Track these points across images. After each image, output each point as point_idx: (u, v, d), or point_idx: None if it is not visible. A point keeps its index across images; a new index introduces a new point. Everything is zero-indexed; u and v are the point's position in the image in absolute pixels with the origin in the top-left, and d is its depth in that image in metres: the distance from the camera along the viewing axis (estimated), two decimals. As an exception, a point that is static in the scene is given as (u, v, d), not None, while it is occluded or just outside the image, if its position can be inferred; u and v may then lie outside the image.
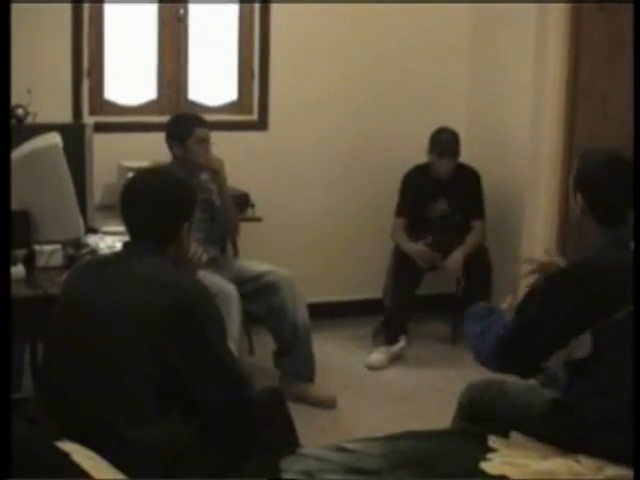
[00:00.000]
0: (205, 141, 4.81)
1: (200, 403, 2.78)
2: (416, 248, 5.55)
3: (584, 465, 2.83)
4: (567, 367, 2.95)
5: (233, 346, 3.64)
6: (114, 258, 2.99)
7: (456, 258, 5.56)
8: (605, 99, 5.26)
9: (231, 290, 4.53)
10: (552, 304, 2.95)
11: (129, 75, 5.71)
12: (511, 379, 3.25)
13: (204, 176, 4.93)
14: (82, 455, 2.43)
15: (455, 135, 5.61)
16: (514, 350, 3.03)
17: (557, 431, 2.95)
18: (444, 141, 5.58)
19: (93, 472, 2.36)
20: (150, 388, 2.66)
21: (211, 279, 4.22)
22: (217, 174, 4.86)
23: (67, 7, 5.30)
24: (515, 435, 3.03)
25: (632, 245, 2.93)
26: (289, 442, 3.08)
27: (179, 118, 4.97)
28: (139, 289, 2.73)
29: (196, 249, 3.19)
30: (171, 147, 4.84)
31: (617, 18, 5.06)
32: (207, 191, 4.91)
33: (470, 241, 5.62)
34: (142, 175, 3.15)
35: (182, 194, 2.97)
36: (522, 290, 5.65)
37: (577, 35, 5.41)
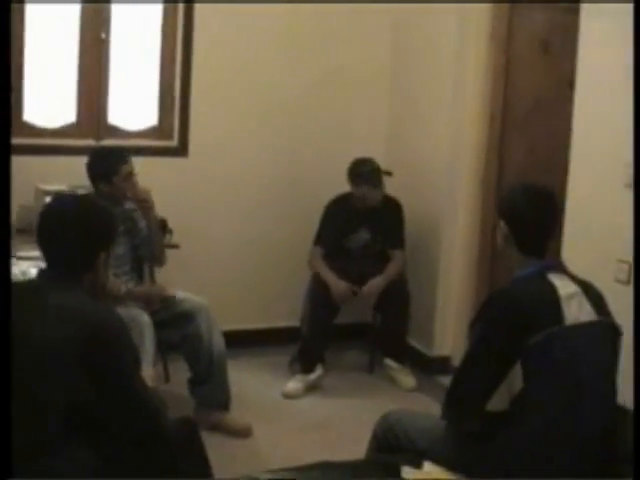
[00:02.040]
0: (131, 175, 4.77)
1: (111, 435, 2.72)
2: (335, 281, 5.54)
3: (496, 494, 2.87)
4: (511, 404, 2.96)
5: (148, 376, 3.60)
6: (27, 286, 2.92)
7: (374, 285, 5.58)
8: (526, 133, 5.35)
9: (144, 318, 4.48)
10: (484, 338, 3.01)
11: (49, 97, 5.64)
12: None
13: (128, 205, 4.89)
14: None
15: (375, 164, 5.64)
16: (458, 393, 3.07)
17: (474, 460, 2.98)
18: (367, 172, 5.60)
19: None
20: (58, 418, 2.59)
21: (124, 307, 4.18)
22: (145, 202, 4.82)
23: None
24: (428, 465, 3.05)
25: (552, 277, 3.01)
26: (202, 474, 3.06)
27: (103, 155, 4.87)
28: (52, 319, 2.65)
29: (114, 282, 3.14)
30: (96, 184, 4.75)
31: (549, 56, 5.17)
32: (131, 220, 4.86)
33: (390, 270, 5.64)
34: (61, 200, 3.10)
35: (101, 223, 2.91)
36: (438, 321, 5.79)
37: (495, 69, 5.51)
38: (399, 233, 5.80)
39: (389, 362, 5.74)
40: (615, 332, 3.06)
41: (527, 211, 3.09)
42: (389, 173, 5.74)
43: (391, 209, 5.78)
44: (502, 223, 3.15)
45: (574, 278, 3.06)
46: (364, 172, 5.61)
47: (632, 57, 3.85)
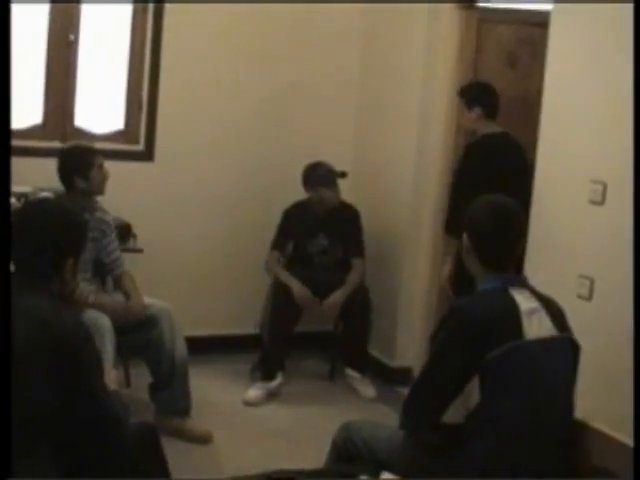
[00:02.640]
0: (102, 167, 4.79)
1: (70, 443, 2.69)
2: (297, 284, 5.56)
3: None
4: (466, 417, 2.97)
5: (111, 378, 3.57)
6: None
7: (334, 301, 5.58)
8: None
9: (104, 321, 4.43)
10: (443, 351, 3.01)
11: (15, 98, 5.59)
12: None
13: (99, 214, 4.87)
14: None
15: (328, 165, 5.68)
16: (415, 404, 3.08)
17: (430, 471, 2.99)
18: (321, 173, 5.64)
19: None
20: (19, 426, 2.56)
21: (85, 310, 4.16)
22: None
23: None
24: (386, 475, 3.06)
25: (514, 292, 3.02)
26: (161, 479, 3.04)
27: (75, 151, 4.88)
28: (16, 324, 2.59)
29: (82, 290, 3.09)
30: (72, 181, 4.73)
31: (517, 70, 5.21)
32: (99, 230, 4.83)
33: (350, 281, 5.65)
34: (31, 205, 3.07)
35: (69, 228, 2.87)
36: (400, 332, 5.80)
37: (463, 82, 5.53)
38: (358, 241, 5.82)
39: (350, 372, 5.75)
40: (574, 347, 3.08)
41: (488, 225, 3.09)
42: (344, 174, 5.75)
43: (348, 216, 5.81)
44: (465, 236, 3.16)
45: (536, 293, 3.07)
46: (318, 174, 5.64)
47: (632, 57, 3.85)
